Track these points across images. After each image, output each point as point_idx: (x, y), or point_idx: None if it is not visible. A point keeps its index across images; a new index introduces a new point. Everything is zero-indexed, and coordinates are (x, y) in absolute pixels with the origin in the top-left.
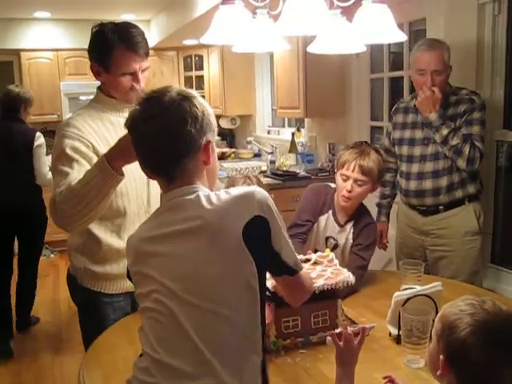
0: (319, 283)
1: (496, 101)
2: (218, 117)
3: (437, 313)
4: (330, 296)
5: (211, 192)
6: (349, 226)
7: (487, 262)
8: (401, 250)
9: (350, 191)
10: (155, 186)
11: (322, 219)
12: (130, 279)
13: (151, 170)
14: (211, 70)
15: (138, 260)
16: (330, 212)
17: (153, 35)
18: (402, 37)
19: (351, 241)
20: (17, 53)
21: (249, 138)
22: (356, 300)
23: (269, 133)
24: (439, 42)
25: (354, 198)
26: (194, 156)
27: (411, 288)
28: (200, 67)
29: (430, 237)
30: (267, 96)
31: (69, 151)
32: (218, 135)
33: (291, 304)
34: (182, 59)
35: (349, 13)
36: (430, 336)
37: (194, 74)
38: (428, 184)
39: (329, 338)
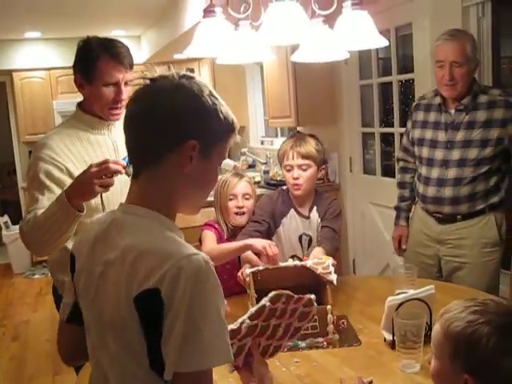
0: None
1: None
2: None
3: (431, 316)
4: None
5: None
6: (314, 214)
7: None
8: (414, 258)
9: (297, 178)
10: None
11: (286, 221)
12: None
13: (129, 158)
14: None
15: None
16: (292, 210)
17: (143, 51)
18: (383, 42)
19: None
20: (9, 73)
21: (243, 150)
22: (351, 306)
23: (262, 143)
24: (462, 31)
25: (304, 184)
26: (166, 156)
27: (404, 292)
28: None
29: (445, 246)
30: (259, 107)
31: (42, 176)
32: None
33: None
34: None
35: (331, 20)
36: (425, 341)
37: None
38: (448, 192)
39: None
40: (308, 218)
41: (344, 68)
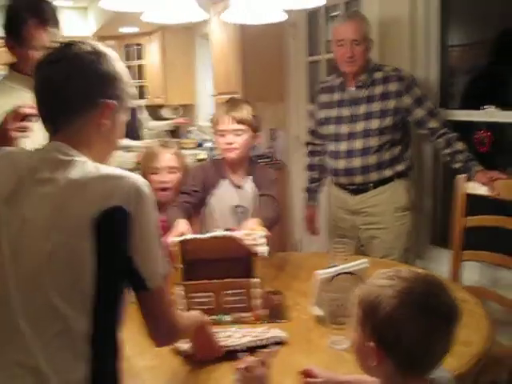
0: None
1: (431, 80)
2: (159, 106)
3: None
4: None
5: (92, 163)
6: (249, 184)
7: (427, 243)
8: (334, 233)
9: (230, 143)
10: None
11: (219, 191)
12: None
13: (42, 117)
14: (151, 58)
15: None
16: (225, 180)
17: (90, 23)
18: (319, 1)
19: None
20: None
21: (190, 128)
22: (280, 281)
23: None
24: (357, 13)
25: (239, 149)
26: (86, 114)
27: (335, 266)
28: (140, 56)
29: (361, 216)
30: (208, 84)
31: None
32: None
33: (154, 342)
34: (122, 48)
35: None
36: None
37: (134, 63)
38: (357, 162)
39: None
40: (242, 188)
41: (292, 44)
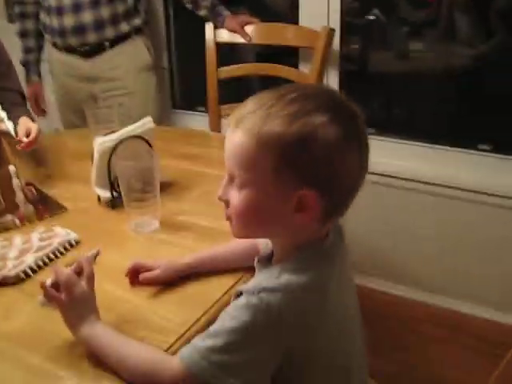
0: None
1: None
2: None
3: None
4: None
5: None
6: None
7: (169, 107)
8: (66, 107)
9: None
10: None
11: None
12: None
13: None
14: None
15: None
16: None
17: None
18: None
19: None
20: None
21: None
22: (34, 170)
23: None
24: None
25: None
26: None
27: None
28: None
29: (99, 82)
30: None
31: None
32: None
33: None
34: None
35: None
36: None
37: None
38: (89, 16)
39: (41, 298)
40: None
41: None
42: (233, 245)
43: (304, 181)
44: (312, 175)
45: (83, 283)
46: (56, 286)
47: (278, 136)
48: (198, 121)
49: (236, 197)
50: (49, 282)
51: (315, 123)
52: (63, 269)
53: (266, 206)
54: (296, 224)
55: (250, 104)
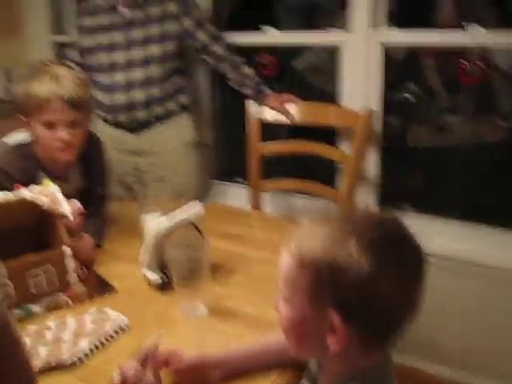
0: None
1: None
2: None
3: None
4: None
5: None
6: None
7: (208, 178)
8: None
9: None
10: None
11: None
12: None
13: None
14: None
15: None
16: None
17: None
18: None
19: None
20: None
21: None
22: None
23: None
24: None
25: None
26: None
27: (155, 215)
28: None
29: (144, 156)
30: None
31: None
32: None
33: None
34: None
35: None
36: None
37: None
38: (139, 95)
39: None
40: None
41: None
42: (271, 342)
43: (333, 303)
44: (341, 299)
45: (150, 376)
46: (124, 381)
47: (315, 258)
48: (236, 192)
49: (283, 311)
50: (117, 378)
51: (349, 250)
52: (129, 364)
53: (303, 322)
54: (333, 348)
55: (303, 226)
